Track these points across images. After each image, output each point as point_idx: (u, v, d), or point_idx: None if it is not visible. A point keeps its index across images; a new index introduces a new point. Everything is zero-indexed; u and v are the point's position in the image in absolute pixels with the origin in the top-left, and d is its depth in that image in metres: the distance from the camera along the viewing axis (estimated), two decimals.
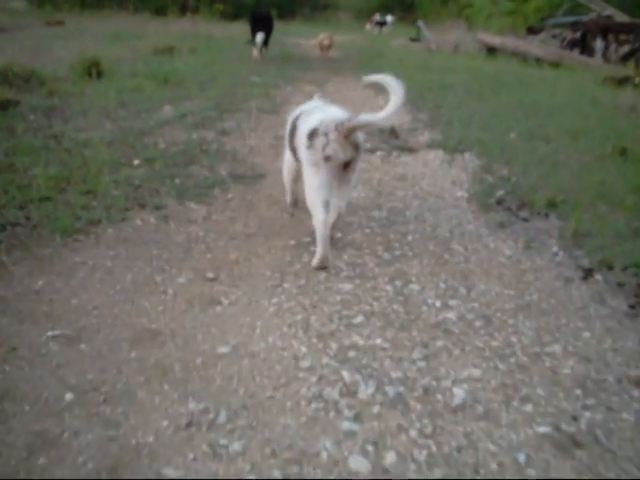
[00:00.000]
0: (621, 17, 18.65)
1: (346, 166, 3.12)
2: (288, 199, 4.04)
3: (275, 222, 3.98)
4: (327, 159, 2.99)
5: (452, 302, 3.02)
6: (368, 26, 30.85)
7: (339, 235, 3.80)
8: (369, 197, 4.53)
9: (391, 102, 3.07)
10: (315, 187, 3.07)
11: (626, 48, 16.89)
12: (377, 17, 30.46)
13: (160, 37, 15.25)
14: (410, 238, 3.80)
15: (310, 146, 3.02)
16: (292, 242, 3.65)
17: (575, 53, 17.03)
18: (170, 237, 3.66)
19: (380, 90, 9.37)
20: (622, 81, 10.80)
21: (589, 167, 5.22)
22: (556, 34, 19.73)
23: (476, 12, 30.68)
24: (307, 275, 3.22)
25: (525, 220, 4.20)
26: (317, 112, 3.23)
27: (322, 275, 3.22)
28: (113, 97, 7.58)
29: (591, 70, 13.84)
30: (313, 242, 3.55)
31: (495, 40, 17.66)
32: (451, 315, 2.90)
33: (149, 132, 6.09)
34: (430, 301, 3.01)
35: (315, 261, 3.20)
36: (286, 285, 3.11)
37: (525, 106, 8.26)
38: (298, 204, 4.03)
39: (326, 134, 2.97)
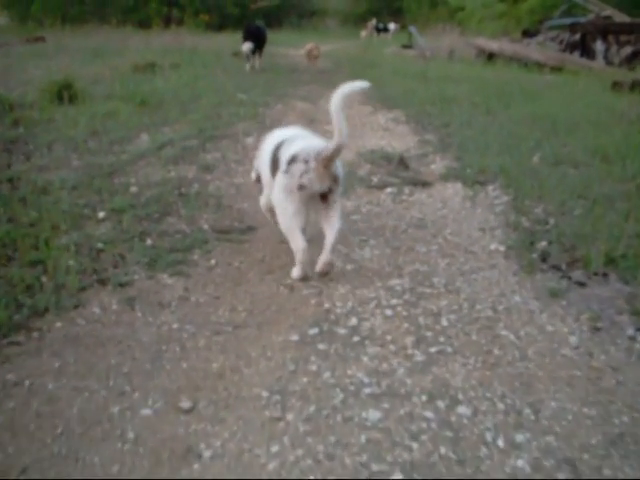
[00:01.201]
0: (620, 17, 17.90)
1: (324, 199, 3.06)
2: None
3: (270, 301, 3.12)
4: (301, 188, 2.95)
5: (519, 437, 2.16)
6: (364, 33, 30.10)
7: (353, 322, 2.91)
8: (384, 256, 3.67)
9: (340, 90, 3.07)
10: (289, 215, 3.05)
11: (628, 49, 16.18)
12: (374, 22, 29.75)
13: (142, 52, 14.40)
14: (445, 322, 2.94)
15: (287, 171, 2.97)
16: (294, 337, 2.78)
17: (576, 56, 16.23)
18: (135, 333, 2.80)
19: (380, 106, 8.53)
20: (634, 86, 9.95)
21: (636, 202, 4.36)
22: (553, 36, 18.98)
23: (468, 16, 29.90)
24: (317, 395, 2.34)
25: (581, 285, 3.36)
26: (299, 140, 3.17)
27: (338, 396, 2.34)
28: (84, 125, 6.74)
29: (595, 74, 13.13)
30: (321, 334, 2.76)
31: (492, 45, 16.90)
32: (522, 463, 2.05)
33: (120, 170, 5.24)
34: (489, 437, 2.14)
35: (294, 274, 3.30)
36: (290, 417, 2.24)
37: (539, 120, 7.44)
38: None
39: (306, 162, 2.94)
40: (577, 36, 17.32)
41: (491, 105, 8.66)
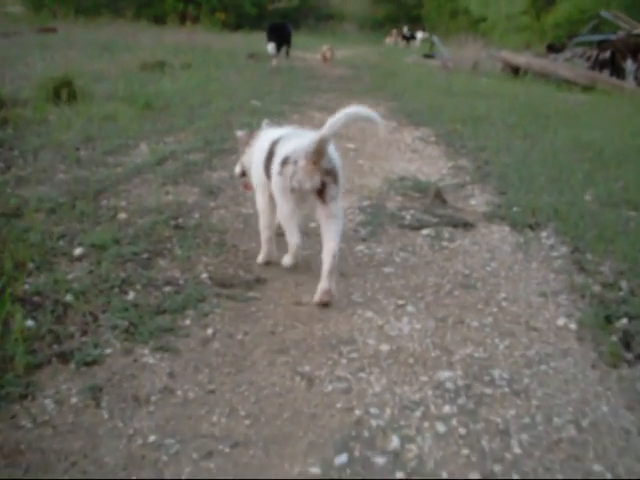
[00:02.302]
0: None
1: (321, 195, 2.94)
2: (260, 258, 3.59)
3: (282, 400, 2.34)
4: (292, 190, 2.92)
5: None
6: (388, 39, 29.38)
7: (395, 443, 2.11)
8: (427, 331, 2.87)
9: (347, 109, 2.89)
10: (287, 212, 3.04)
11: None
12: (403, 30, 29.11)
13: (153, 49, 13.65)
14: (517, 447, 2.16)
15: (280, 173, 2.94)
16: (314, 468, 1.98)
17: (606, 75, 15.42)
18: (97, 449, 2.01)
19: (406, 122, 7.73)
20: None
21: None
22: (580, 53, 18.14)
23: (491, 27, 29.09)
24: None
25: None
26: (294, 138, 3.07)
27: None
28: (78, 129, 6.00)
29: (628, 95, 12.28)
30: (351, 464, 2.03)
31: (519, 59, 16.12)
32: None
33: (111, 188, 4.54)
34: None
35: (287, 260, 3.37)
36: None
37: (584, 148, 6.69)
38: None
39: (295, 162, 2.87)
40: (607, 54, 16.46)
41: (528, 127, 7.89)
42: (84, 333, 2.68)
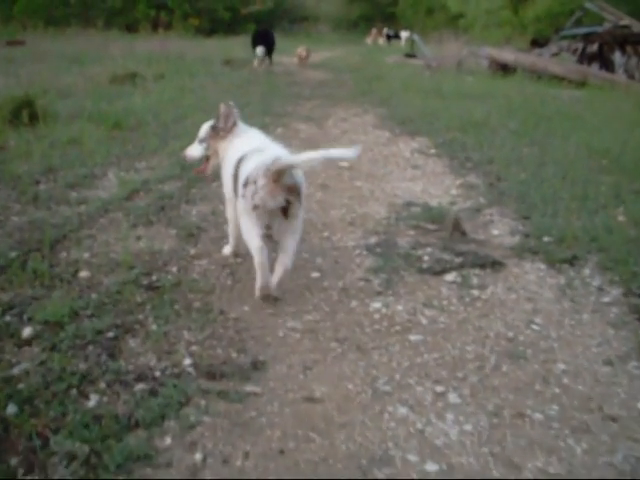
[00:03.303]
0: (639, 27, 16.44)
1: (285, 212, 2.89)
2: (228, 249, 3.70)
3: None
4: (255, 208, 2.86)
5: None
6: (369, 39, 28.71)
7: None
8: (481, 435, 2.20)
9: (324, 151, 2.91)
10: (249, 228, 2.99)
11: None
12: (385, 30, 28.50)
13: (124, 60, 12.88)
14: None
15: (243, 195, 2.90)
16: None
17: (596, 69, 14.85)
18: None
19: (400, 132, 7.04)
20: None
21: None
22: (565, 46, 17.52)
23: (470, 23, 28.49)
24: None
25: None
26: (255, 156, 2.99)
27: None
28: (39, 157, 5.25)
29: (621, 89, 11.73)
30: None
31: (508, 56, 15.44)
32: None
33: (72, 234, 3.84)
34: None
35: (257, 293, 3.07)
36: None
37: (599, 156, 6.10)
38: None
39: (255, 182, 2.82)
40: (594, 47, 15.90)
41: (532, 133, 7.25)
42: (29, 468, 1.94)
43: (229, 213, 3.47)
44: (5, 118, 6.92)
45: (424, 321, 3.04)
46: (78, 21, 30.63)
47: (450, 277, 3.52)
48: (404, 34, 27.10)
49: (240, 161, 3.09)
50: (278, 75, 13.67)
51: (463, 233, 4.09)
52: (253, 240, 2.96)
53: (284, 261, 3.05)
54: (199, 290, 3.24)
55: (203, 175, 3.81)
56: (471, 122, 7.88)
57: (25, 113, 7.09)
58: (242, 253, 3.56)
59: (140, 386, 2.40)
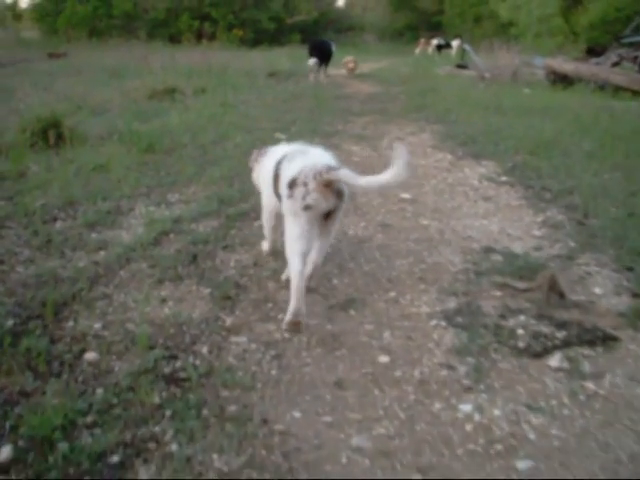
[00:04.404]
0: None
1: (327, 216, 2.93)
2: (266, 246, 3.74)
3: None
4: (307, 208, 2.81)
5: None
6: (418, 50, 27.81)
7: None
8: None
9: (388, 172, 2.71)
10: (295, 237, 2.89)
11: None
12: (436, 40, 27.51)
13: (164, 73, 12.20)
14: None
15: (290, 196, 2.84)
16: None
17: None
18: None
19: (462, 154, 6.22)
20: None
21: None
22: (623, 55, 16.49)
23: (522, 31, 27.43)
24: None
25: None
26: (298, 158, 2.99)
27: None
28: (59, 187, 4.51)
29: None
30: None
31: (567, 66, 14.48)
32: None
33: (84, 293, 3.11)
34: None
35: (287, 317, 2.89)
36: None
37: None
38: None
39: (305, 184, 2.79)
40: None
41: (610, 154, 6.32)
42: None
43: (265, 218, 3.59)
44: (28, 141, 6.26)
45: (531, 434, 2.24)
46: (121, 32, 30.40)
47: (555, 361, 2.70)
48: (455, 43, 26.12)
49: (280, 161, 3.11)
50: (326, 88, 12.92)
51: (561, 294, 3.27)
52: (295, 260, 2.87)
53: (315, 259, 3.11)
54: (235, 384, 2.48)
55: None
56: (540, 142, 7.03)
57: (51, 134, 6.45)
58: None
59: None
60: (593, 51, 19.10)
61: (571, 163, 6.12)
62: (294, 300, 2.86)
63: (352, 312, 3.12)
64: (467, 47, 19.99)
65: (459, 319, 3.06)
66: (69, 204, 4.69)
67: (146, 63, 14.69)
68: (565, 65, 14.93)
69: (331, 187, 2.80)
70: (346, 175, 2.78)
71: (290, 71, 15.30)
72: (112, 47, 24.02)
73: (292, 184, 2.86)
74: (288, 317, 2.86)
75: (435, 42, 27.03)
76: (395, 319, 3.07)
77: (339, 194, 2.86)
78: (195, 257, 3.73)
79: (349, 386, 2.50)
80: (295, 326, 2.87)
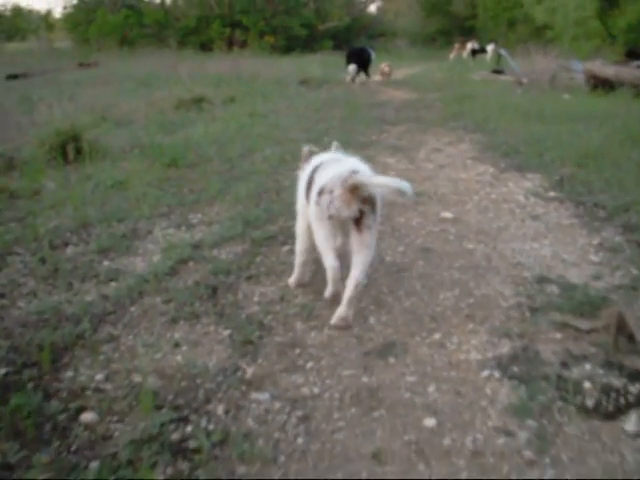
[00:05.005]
0: None
1: (358, 224, 2.84)
2: (293, 279, 3.49)
3: None
4: (330, 217, 2.84)
5: None
6: (452, 55, 27.29)
7: None
8: None
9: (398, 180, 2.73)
10: (323, 237, 2.92)
11: None
12: (471, 44, 26.94)
13: (193, 82, 11.87)
14: None
15: (317, 203, 2.87)
16: None
17: None
18: None
19: (504, 166, 5.78)
20: None
21: None
22: None
23: (558, 34, 26.78)
24: None
25: None
26: (332, 166, 3.00)
27: None
28: (75, 206, 4.17)
29: None
30: None
31: (608, 70, 13.89)
32: None
33: (88, 334, 2.78)
34: None
35: (326, 293, 3.11)
36: None
37: None
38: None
39: (331, 191, 2.80)
40: None
41: None
42: None
43: (299, 227, 3.34)
44: (46, 156, 5.95)
45: None
46: (152, 41, 30.35)
47: (631, 424, 2.28)
48: (490, 47, 25.56)
49: (316, 169, 3.09)
50: (359, 95, 12.51)
51: (630, 336, 2.81)
52: (328, 256, 2.91)
53: (356, 276, 2.92)
54: (254, 456, 2.06)
55: None
56: (587, 152, 6.54)
57: (70, 149, 6.14)
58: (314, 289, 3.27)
59: None
60: (633, 54, 18.45)
61: (623, 176, 5.64)
62: (330, 285, 3.03)
63: (391, 360, 2.70)
64: (503, 52, 19.48)
65: (515, 369, 2.63)
66: (83, 226, 4.36)
67: (175, 71, 14.41)
68: (606, 69, 14.36)
69: (356, 193, 2.75)
70: (364, 177, 2.79)
71: (322, 78, 14.92)
72: (143, 56, 23.88)
73: (320, 192, 2.86)
74: (327, 294, 3.11)
75: (470, 47, 26.40)
76: (441, 368, 2.64)
77: (366, 200, 2.80)
78: (215, 290, 3.34)
79: (389, 459, 2.09)
80: (336, 297, 3.06)
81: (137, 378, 2.55)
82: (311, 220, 3.01)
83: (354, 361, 2.70)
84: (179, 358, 2.69)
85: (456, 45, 28.45)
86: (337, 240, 3.02)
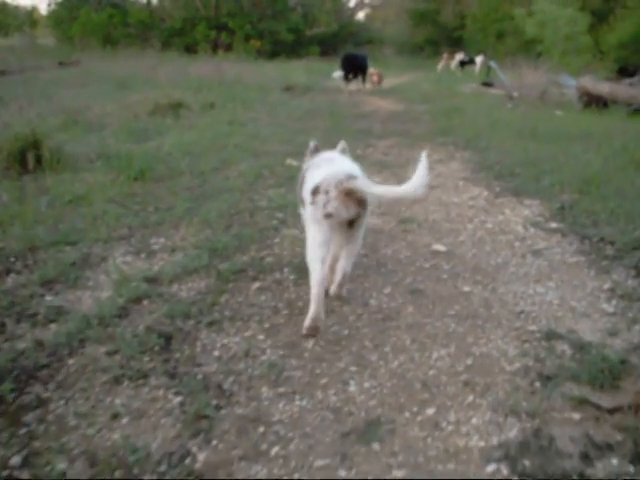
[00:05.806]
0: None
1: (351, 224, 2.95)
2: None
3: None
4: (328, 216, 2.84)
5: None
6: (440, 65, 26.94)
7: None
8: None
9: (406, 185, 2.74)
10: (316, 244, 2.91)
11: None
12: (461, 55, 26.59)
13: (174, 85, 11.34)
14: None
15: (312, 202, 2.88)
16: None
17: None
18: None
19: (500, 190, 5.29)
20: None
21: None
22: None
23: (548, 48, 26.50)
24: None
25: None
26: (324, 166, 3.01)
27: None
28: (22, 228, 3.63)
29: None
30: None
31: (602, 87, 13.51)
32: None
33: (9, 399, 2.04)
34: None
35: (306, 322, 2.92)
36: None
37: None
38: None
39: (327, 192, 2.82)
40: None
41: None
42: None
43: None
44: (2, 164, 5.41)
45: None
46: (136, 41, 29.84)
47: None
48: (479, 59, 25.23)
49: (308, 169, 3.11)
50: (344, 104, 12.03)
51: None
52: (316, 267, 2.89)
53: (344, 266, 3.12)
54: None
55: None
56: (588, 177, 6.09)
57: (30, 156, 5.58)
58: None
59: None
60: (625, 71, 18.20)
61: (629, 206, 5.17)
62: (314, 306, 2.91)
63: (375, 445, 2.19)
64: (493, 64, 19.10)
65: (526, 462, 2.13)
66: (30, 250, 3.85)
67: (157, 74, 13.89)
68: (600, 86, 13.99)
69: (352, 196, 2.80)
70: (363, 184, 2.81)
71: (307, 85, 14.45)
72: (125, 56, 23.32)
73: (315, 191, 2.87)
74: (307, 322, 2.92)
75: (458, 58, 26.06)
76: (436, 459, 2.14)
77: (361, 203, 2.85)
78: (169, 340, 2.82)
79: None
80: (314, 330, 2.92)
81: (61, 464, 2.01)
82: (307, 223, 3.01)
83: (329, 446, 2.18)
84: (116, 436, 2.17)
85: (444, 55, 28.17)
86: (330, 247, 2.99)
